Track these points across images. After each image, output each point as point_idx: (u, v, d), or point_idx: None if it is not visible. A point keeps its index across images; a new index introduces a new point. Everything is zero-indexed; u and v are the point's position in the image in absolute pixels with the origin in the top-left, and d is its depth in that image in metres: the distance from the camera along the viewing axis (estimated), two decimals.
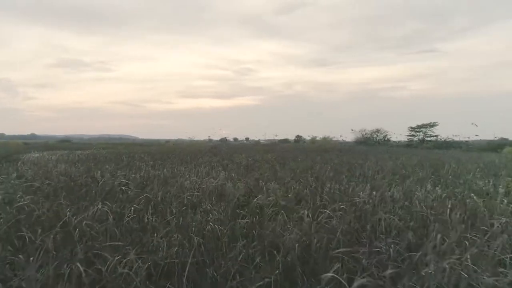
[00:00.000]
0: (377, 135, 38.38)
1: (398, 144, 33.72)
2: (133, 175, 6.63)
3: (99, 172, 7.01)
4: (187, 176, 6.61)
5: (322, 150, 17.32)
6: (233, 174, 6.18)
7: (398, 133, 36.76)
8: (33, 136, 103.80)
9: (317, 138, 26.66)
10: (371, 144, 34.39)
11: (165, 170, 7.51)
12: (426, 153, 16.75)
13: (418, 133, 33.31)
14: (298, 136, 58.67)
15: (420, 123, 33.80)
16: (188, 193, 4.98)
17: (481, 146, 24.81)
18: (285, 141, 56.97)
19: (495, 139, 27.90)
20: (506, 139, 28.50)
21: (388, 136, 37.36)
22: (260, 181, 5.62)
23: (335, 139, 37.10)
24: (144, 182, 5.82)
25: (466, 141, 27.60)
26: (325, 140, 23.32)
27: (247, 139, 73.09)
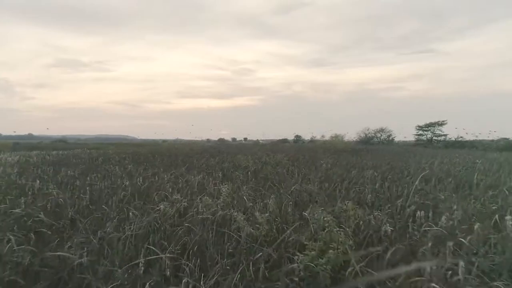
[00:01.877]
0: (381, 135, 36.14)
1: (405, 144, 31.38)
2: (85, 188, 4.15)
3: (38, 182, 4.52)
4: (169, 190, 4.16)
5: (336, 150, 14.88)
6: (242, 193, 3.67)
7: (398, 133, 34.60)
8: (30, 136, 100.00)
9: (325, 138, 23.96)
10: (376, 144, 32.06)
11: (140, 180, 5.03)
12: (452, 153, 14.36)
13: (426, 132, 30.93)
14: (297, 136, 56.69)
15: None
16: (166, 226, 2.55)
17: (498, 145, 22.51)
18: (284, 141, 54.73)
19: (496, 138, 26.12)
20: (506, 139, 26.69)
21: (393, 136, 35.12)
22: (291, 203, 3.17)
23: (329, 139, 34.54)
24: (91, 206, 3.35)
25: (480, 140, 25.30)
26: (337, 139, 20.61)
27: (245, 139, 70.78)
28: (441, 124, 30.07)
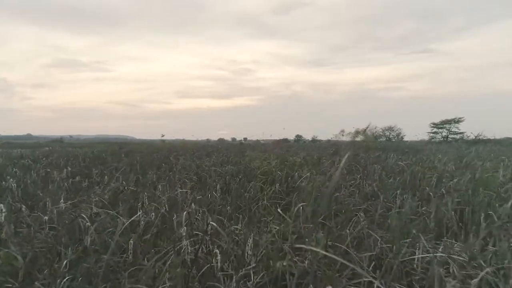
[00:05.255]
0: (390, 133, 33.06)
1: (419, 142, 28.28)
2: None
3: None
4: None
5: (368, 149, 11.64)
6: None
7: (403, 132, 31.80)
8: (28, 136, 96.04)
9: (345, 134, 20.48)
10: (385, 142, 28.95)
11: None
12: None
13: (440, 130, 27.87)
14: (298, 136, 54.10)
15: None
16: None
17: None
18: (285, 140, 51.94)
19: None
20: (511, 138, 24.05)
21: (402, 134, 32.08)
22: None
23: (334, 139, 31.45)
24: None
25: (508, 138, 22.34)
26: (367, 137, 16.82)
27: (245, 139, 67.81)
28: (457, 121, 27.04)
